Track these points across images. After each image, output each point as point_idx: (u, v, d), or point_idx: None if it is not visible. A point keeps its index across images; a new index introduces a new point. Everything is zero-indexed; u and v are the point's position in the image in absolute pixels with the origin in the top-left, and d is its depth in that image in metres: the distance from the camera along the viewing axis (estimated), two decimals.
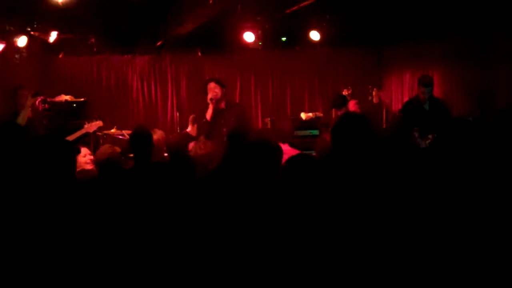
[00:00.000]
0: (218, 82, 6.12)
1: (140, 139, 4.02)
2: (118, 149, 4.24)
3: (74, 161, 2.78)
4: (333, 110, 7.25)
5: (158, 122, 8.52)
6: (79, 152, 3.01)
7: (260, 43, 7.67)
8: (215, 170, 3.99)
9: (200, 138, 5.04)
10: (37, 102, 6.54)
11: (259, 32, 7.27)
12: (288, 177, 2.67)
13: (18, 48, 6.80)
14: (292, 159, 2.77)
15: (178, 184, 3.39)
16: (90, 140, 6.58)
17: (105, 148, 4.19)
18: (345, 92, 8.57)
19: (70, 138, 5.84)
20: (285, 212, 2.52)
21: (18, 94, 5.93)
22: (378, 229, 2.39)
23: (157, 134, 4.76)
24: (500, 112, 3.63)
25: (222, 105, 6.04)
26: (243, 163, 3.03)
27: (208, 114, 5.92)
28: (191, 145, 4.76)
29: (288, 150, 4.64)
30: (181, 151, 4.49)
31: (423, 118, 5.94)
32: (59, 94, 7.79)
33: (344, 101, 7.18)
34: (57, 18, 6.47)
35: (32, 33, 6.66)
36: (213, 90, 5.97)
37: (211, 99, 5.91)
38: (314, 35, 7.63)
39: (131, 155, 4.33)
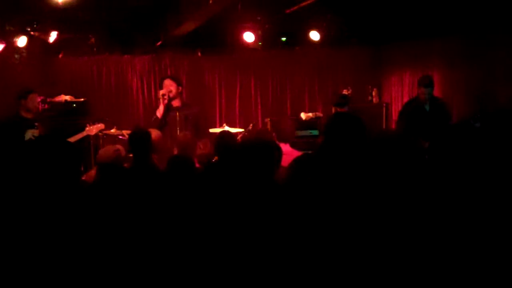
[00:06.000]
0: (174, 79, 6.15)
1: (138, 140, 4.03)
2: (121, 150, 4.24)
3: (77, 163, 2.76)
4: (334, 108, 7.24)
5: None
6: (82, 155, 3.00)
7: (260, 43, 7.68)
8: (214, 170, 4.00)
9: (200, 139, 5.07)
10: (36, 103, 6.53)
11: (259, 32, 7.27)
12: (298, 177, 2.65)
13: (18, 48, 6.81)
14: (298, 160, 2.76)
15: (177, 185, 3.39)
16: (90, 141, 6.58)
17: (109, 151, 4.17)
18: (345, 92, 8.59)
19: (71, 140, 5.84)
20: (287, 213, 2.51)
21: (28, 98, 5.91)
22: (375, 231, 2.39)
23: (153, 134, 4.76)
24: (498, 111, 3.63)
25: (177, 103, 6.02)
26: (242, 163, 3.03)
27: (159, 112, 5.94)
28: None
29: (289, 151, 4.64)
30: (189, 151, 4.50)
31: (423, 119, 5.95)
32: (59, 94, 7.78)
33: (346, 100, 7.17)
34: (57, 18, 6.48)
35: (32, 33, 6.66)
36: (168, 87, 5.99)
37: (162, 95, 5.93)
38: (314, 35, 7.63)
39: (131, 155, 4.33)
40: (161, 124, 5.90)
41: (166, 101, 5.97)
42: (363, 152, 2.88)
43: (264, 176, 2.93)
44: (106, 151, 4.19)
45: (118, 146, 4.30)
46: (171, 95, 6.02)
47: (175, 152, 4.77)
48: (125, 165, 4.47)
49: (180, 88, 6.16)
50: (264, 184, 2.88)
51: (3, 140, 5.34)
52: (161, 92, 6.01)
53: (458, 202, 2.31)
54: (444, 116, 6.03)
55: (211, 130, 7.01)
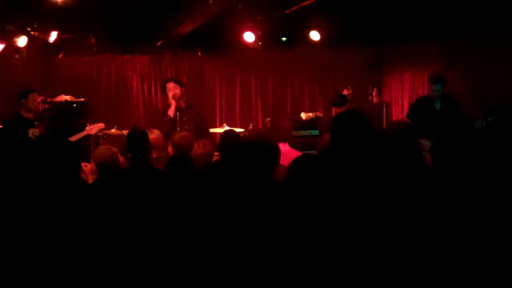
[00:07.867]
0: (177, 81, 6.31)
1: (135, 140, 4.01)
2: (115, 150, 4.23)
3: (78, 163, 2.77)
4: (333, 108, 7.24)
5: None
6: (82, 155, 3.00)
7: (260, 43, 7.68)
8: (214, 170, 3.99)
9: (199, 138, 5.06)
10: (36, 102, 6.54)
11: (259, 32, 7.28)
12: (298, 177, 2.65)
13: (18, 48, 6.81)
14: (298, 160, 2.76)
15: (176, 185, 3.39)
16: (91, 141, 6.59)
17: (103, 150, 4.16)
18: (345, 92, 8.60)
19: (72, 139, 5.84)
20: (289, 213, 2.51)
21: (28, 98, 5.92)
22: (378, 230, 2.39)
23: (154, 134, 4.75)
24: (498, 111, 3.63)
25: (182, 103, 6.21)
26: (240, 163, 3.03)
27: (171, 111, 6.12)
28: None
29: (288, 150, 4.64)
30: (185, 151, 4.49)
31: (433, 117, 5.83)
32: (59, 94, 7.80)
33: (344, 99, 7.18)
34: (57, 18, 6.48)
35: (32, 33, 6.66)
36: (173, 90, 6.17)
37: (173, 96, 6.06)
38: (314, 35, 7.63)
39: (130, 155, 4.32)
40: (174, 123, 6.04)
41: (176, 101, 6.11)
42: (368, 152, 2.88)
43: (263, 175, 2.94)
44: (101, 151, 4.18)
45: (112, 147, 4.29)
46: (177, 96, 6.15)
47: (170, 151, 4.74)
48: (123, 165, 4.46)
49: (183, 89, 6.31)
50: (263, 183, 2.89)
51: (5, 139, 5.34)
52: (171, 92, 6.14)
53: (460, 201, 2.31)
54: (455, 115, 5.83)
55: (211, 130, 7.03)
